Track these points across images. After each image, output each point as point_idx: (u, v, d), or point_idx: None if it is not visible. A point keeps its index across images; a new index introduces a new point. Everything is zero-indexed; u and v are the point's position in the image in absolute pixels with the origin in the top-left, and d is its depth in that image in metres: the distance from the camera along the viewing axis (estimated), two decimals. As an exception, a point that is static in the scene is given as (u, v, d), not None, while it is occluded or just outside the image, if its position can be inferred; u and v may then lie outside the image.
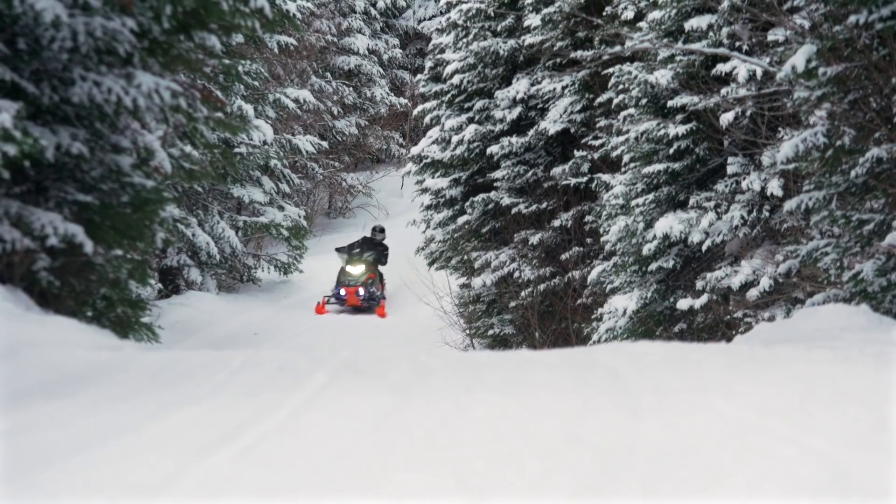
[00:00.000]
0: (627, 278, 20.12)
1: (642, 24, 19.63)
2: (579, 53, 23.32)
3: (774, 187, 17.10)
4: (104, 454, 5.72)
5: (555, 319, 25.47)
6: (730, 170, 18.24)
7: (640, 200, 19.43)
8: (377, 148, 50.75)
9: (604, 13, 23.12)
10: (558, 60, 25.62)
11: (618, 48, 19.12)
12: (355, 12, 49.04)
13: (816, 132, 13.47)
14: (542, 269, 26.30)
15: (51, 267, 12.36)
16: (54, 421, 6.69)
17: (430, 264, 30.82)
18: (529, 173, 26.74)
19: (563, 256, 25.76)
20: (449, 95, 29.22)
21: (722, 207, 18.16)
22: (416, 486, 4.81)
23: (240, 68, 20.94)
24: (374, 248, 35.11)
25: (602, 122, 24.22)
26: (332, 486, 4.91)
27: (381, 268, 35.66)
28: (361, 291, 33.68)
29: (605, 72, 22.65)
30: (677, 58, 18.31)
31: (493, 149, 26.94)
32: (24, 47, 11.87)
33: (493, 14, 27.60)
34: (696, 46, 17.67)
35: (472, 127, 28.04)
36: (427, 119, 30.78)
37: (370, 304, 33.77)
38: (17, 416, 6.53)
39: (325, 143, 40.70)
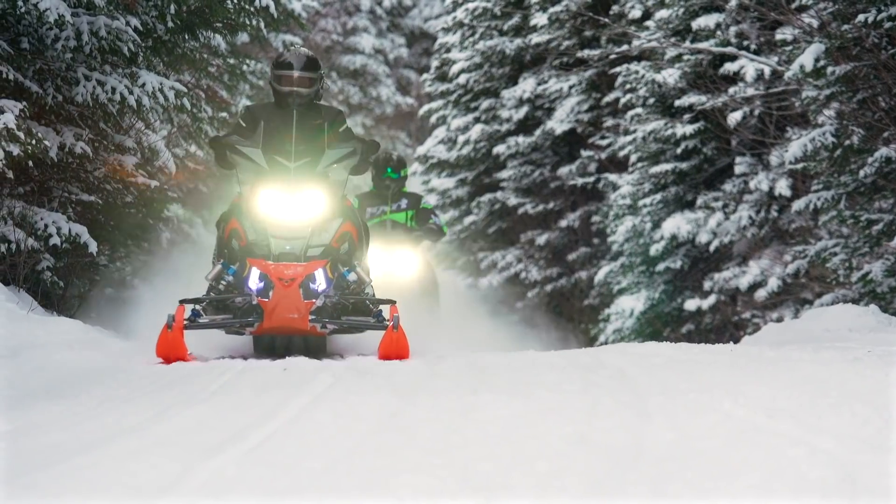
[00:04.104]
0: (635, 279, 20.09)
1: (650, 22, 19.62)
2: (586, 52, 23.27)
3: (782, 187, 17.09)
4: (108, 455, 5.69)
5: (562, 320, 25.45)
6: (738, 170, 18.24)
7: (647, 200, 19.42)
8: (383, 148, 50.71)
9: (611, 12, 23.10)
10: (565, 59, 25.59)
11: (625, 47, 19.11)
12: (361, 11, 49.04)
13: (825, 132, 13.44)
14: (548, 269, 26.28)
15: (55, 267, 12.37)
16: (58, 422, 6.66)
17: (437, 265, 30.78)
18: (536, 173, 26.71)
19: (570, 257, 25.73)
20: (455, 95, 29.18)
21: (730, 207, 18.14)
22: (421, 487, 4.77)
23: (244, 68, 20.93)
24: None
25: (609, 122, 24.21)
26: (338, 487, 4.87)
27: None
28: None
29: (612, 71, 22.61)
30: (685, 57, 18.28)
31: (500, 149, 26.92)
32: (28, 47, 11.87)
33: (499, 13, 27.58)
34: (703, 45, 17.65)
35: (479, 127, 28.01)
36: (433, 119, 30.74)
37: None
38: (21, 417, 6.51)
39: (331, 143, 40.68)
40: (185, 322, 9.79)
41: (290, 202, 10.07)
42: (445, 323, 15.70)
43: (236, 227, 10.24)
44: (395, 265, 15.03)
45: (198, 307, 10.04)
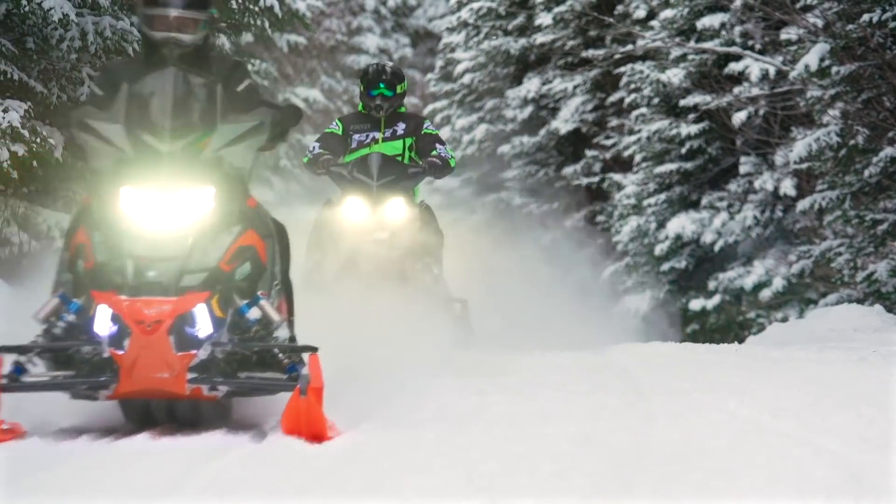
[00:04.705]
0: (640, 279, 20.09)
1: (654, 22, 19.60)
2: (591, 52, 23.27)
3: (787, 187, 17.09)
4: (113, 456, 5.70)
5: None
6: (742, 169, 18.23)
7: (652, 200, 19.42)
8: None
9: (615, 12, 23.06)
10: (570, 59, 25.57)
11: (630, 47, 19.12)
12: (365, 11, 49.00)
13: (830, 131, 13.44)
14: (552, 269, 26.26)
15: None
16: (63, 422, 6.66)
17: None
18: (541, 173, 26.70)
19: (575, 257, 25.71)
20: (460, 95, 29.18)
21: (734, 207, 18.14)
22: (426, 487, 4.77)
23: (249, 67, 20.94)
24: None
25: (614, 122, 24.19)
26: (343, 488, 4.87)
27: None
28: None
29: (617, 71, 22.60)
30: (689, 57, 18.28)
31: (504, 148, 26.92)
32: (33, 46, 11.88)
33: (503, 13, 27.56)
34: (708, 45, 17.66)
35: (483, 126, 28.02)
36: (437, 118, 30.73)
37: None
38: (25, 418, 6.49)
39: (335, 143, 40.61)
40: (3, 381, 6.45)
41: (162, 204, 6.68)
42: (449, 300, 12.28)
43: (83, 243, 6.80)
44: (380, 217, 11.66)
45: (22, 359, 6.57)
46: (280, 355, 6.65)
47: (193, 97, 6.96)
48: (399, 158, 11.70)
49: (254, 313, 6.69)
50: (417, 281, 11.72)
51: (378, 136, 11.70)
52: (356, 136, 11.74)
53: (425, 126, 11.88)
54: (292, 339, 6.93)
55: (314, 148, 11.66)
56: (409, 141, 11.76)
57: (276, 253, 7.10)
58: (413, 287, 11.56)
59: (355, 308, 10.20)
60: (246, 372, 6.71)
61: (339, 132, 11.76)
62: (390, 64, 12.08)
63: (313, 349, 6.46)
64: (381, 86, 11.63)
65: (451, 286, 12.42)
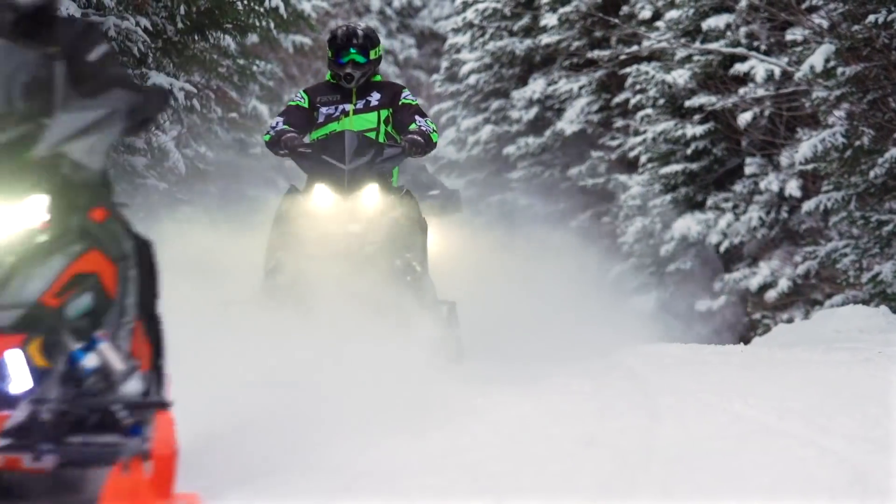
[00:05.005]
0: (645, 280, 20.10)
1: (660, 23, 19.60)
2: (596, 53, 23.26)
3: (793, 188, 17.08)
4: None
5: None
6: (748, 170, 18.22)
7: (657, 201, 19.41)
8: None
9: (621, 12, 23.05)
10: (575, 60, 25.55)
11: (635, 48, 19.13)
12: (371, 12, 49.01)
13: (835, 132, 13.44)
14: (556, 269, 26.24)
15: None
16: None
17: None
18: (546, 174, 26.67)
19: (580, 258, 25.70)
20: (465, 96, 29.17)
21: (740, 208, 18.12)
22: (431, 487, 4.77)
23: (254, 68, 20.89)
24: None
25: (619, 123, 24.16)
26: (347, 488, 4.87)
27: None
28: None
29: (622, 72, 22.58)
30: (695, 57, 18.27)
31: (510, 149, 26.89)
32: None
33: (509, 14, 27.54)
34: (713, 46, 17.66)
35: (489, 127, 28.00)
36: (443, 119, 30.71)
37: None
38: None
39: (340, 144, 40.57)
40: None
41: None
42: (434, 303, 10.58)
43: None
44: (353, 206, 9.94)
45: None
46: (122, 414, 4.88)
47: (25, 77, 5.19)
48: (373, 134, 10.08)
49: (90, 360, 5.01)
50: (397, 280, 9.98)
51: (349, 107, 10.09)
52: (324, 110, 10.12)
53: (403, 95, 10.21)
54: (148, 392, 5.17)
55: (277, 124, 10.06)
56: (384, 113, 10.13)
57: (129, 280, 5.37)
58: (392, 287, 9.90)
59: (324, 314, 9.50)
60: (82, 435, 4.91)
61: (305, 105, 10.13)
62: (362, 26, 10.38)
63: (162, 405, 4.92)
64: (353, 51, 10.00)
65: (448, 286, 11.27)
